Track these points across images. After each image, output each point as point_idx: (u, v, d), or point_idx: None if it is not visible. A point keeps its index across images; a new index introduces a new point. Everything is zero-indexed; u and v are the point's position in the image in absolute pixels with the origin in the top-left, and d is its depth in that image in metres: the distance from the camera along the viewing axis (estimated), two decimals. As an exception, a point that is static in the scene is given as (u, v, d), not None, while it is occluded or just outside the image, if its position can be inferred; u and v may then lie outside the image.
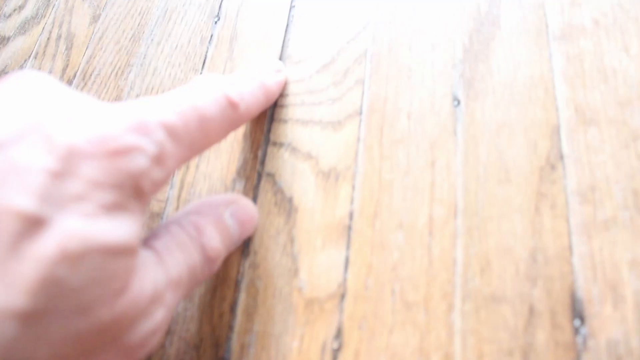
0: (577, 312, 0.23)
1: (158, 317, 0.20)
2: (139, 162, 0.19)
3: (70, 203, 0.17)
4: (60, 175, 0.17)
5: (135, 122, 0.20)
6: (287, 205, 0.27)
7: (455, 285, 0.24)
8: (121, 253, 0.18)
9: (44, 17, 0.41)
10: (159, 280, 0.21)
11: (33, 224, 0.16)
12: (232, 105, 0.24)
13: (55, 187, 0.17)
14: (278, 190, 0.28)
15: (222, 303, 0.26)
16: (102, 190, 0.18)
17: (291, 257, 0.26)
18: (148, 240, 0.23)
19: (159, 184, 0.21)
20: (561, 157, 0.26)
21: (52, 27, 0.40)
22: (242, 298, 0.26)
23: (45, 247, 0.16)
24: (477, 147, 0.26)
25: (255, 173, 0.28)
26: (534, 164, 0.26)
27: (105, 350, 0.19)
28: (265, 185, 0.28)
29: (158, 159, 0.20)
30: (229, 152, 0.29)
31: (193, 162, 0.30)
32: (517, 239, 0.24)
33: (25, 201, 0.16)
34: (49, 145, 0.18)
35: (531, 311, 0.23)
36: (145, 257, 0.21)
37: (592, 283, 0.23)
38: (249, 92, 0.26)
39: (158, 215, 0.29)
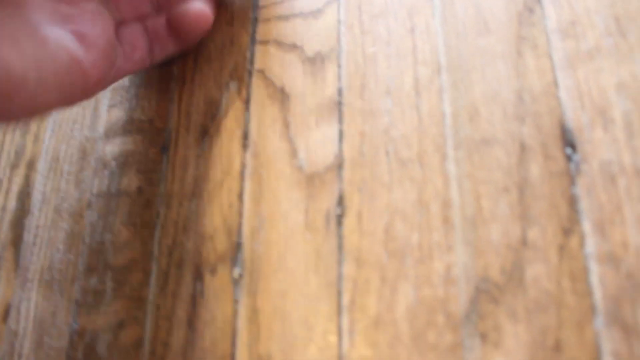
0: (568, 141, 0.23)
1: None
2: None
3: None
4: None
5: None
6: (279, 95, 0.28)
7: (447, 136, 0.25)
8: None
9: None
10: None
11: None
12: None
13: None
14: (269, 84, 0.29)
15: (229, 194, 0.27)
16: None
17: (288, 141, 0.27)
18: None
19: None
20: (538, -1, 0.26)
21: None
22: (248, 186, 0.27)
23: None
24: (453, 6, 0.27)
25: (246, 72, 0.29)
26: (511, 10, 0.26)
27: None
28: (257, 81, 0.29)
29: None
30: (219, 59, 0.30)
31: (188, 76, 0.31)
32: (502, 83, 0.25)
33: None
34: None
35: (523, 148, 0.24)
36: None
37: (581, 111, 0.23)
38: None
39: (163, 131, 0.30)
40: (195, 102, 0.30)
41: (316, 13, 0.29)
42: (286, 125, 0.27)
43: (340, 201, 0.25)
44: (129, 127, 0.31)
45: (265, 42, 0.30)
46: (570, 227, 0.22)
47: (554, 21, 0.25)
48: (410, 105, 0.26)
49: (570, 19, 0.25)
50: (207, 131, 0.29)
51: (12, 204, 0.33)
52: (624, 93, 0.23)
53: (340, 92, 0.27)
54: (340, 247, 0.24)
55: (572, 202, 0.22)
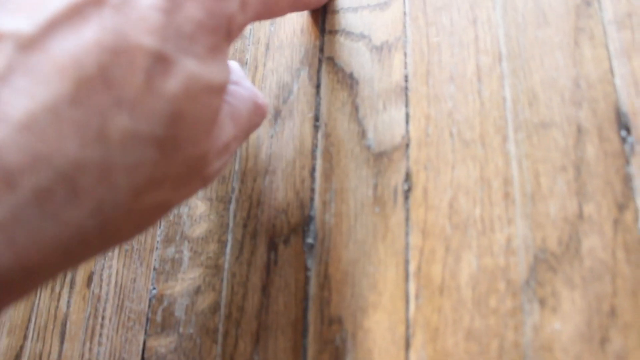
0: (623, 124, 0.25)
1: (231, 148, 0.24)
2: (232, 5, 0.21)
3: (185, 44, 0.19)
4: (171, 13, 0.19)
5: None
6: (348, 80, 0.30)
7: (507, 119, 0.27)
8: (220, 93, 0.21)
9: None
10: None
11: (161, 63, 0.18)
12: None
13: (171, 26, 0.18)
14: (339, 70, 0.31)
15: (302, 171, 0.30)
16: (207, 32, 0.20)
17: (357, 122, 0.29)
18: None
19: (241, 30, 0.23)
20: (595, -7, 0.27)
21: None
22: (319, 163, 0.29)
23: (175, 85, 0.18)
24: (514, 0, 0.29)
25: (317, 60, 0.32)
26: (569, 3, 0.28)
27: (191, 180, 0.22)
28: (326, 67, 0.31)
29: (243, 5, 0.22)
30: (290, 47, 0.33)
31: (260, 61, 0.33)
32: (559, 71, 0.27)
33: (152, 41, 0.18)
34: None
35: (579, 130, 0.26)
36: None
37: (635, 97, 0.25)
38: None
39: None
40: (267, 87, 0.33)
41: (382, 5, 0.31)
42: (355, 108, 0.30)
43: (407, 178, 0.27)
44: (205, 109, 0.34)
45: (334, 32, 0.32)
46: (624, 202, 0.24)
47: (611, 13, 0.27)
48: (472, 91, 0.28)
49: (626, 11, 0.27)
50: (280, 113, 0.31)
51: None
52: (677, 80, 0.25)
53: (406, 78, 0.29)
54: (407, 219, 0.27)
55: (627, 180, 0.24)
